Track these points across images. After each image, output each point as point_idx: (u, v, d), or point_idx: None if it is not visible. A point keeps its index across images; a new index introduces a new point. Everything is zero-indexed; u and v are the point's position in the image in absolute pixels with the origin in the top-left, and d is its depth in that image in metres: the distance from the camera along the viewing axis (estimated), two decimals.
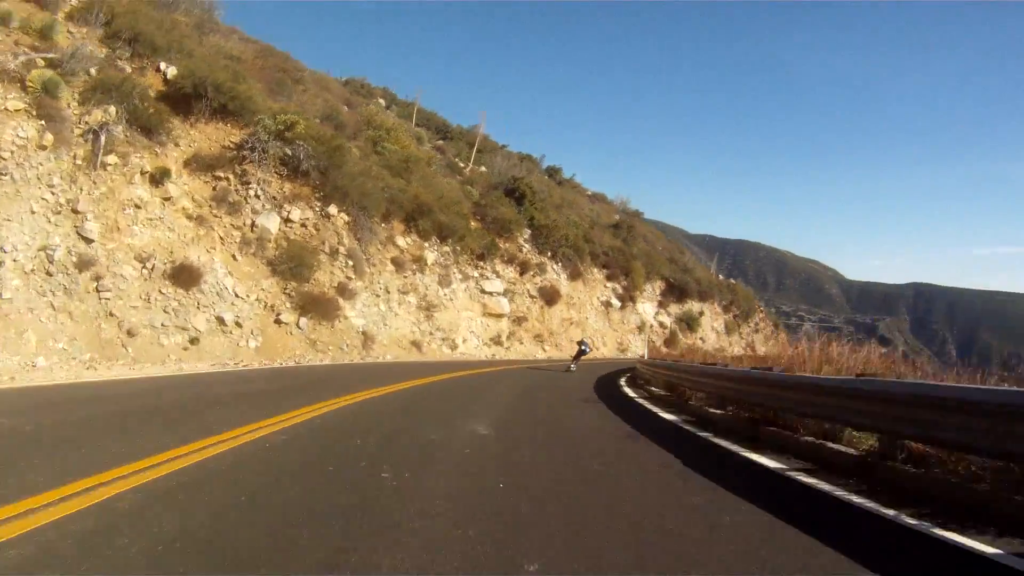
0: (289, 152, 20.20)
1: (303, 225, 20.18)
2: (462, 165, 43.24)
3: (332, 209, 20.85)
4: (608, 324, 41.12)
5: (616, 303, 42.30)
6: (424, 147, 39.06)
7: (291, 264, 18.40)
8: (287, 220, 19.85)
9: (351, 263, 20.11)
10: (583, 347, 22.78)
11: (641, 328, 44.10)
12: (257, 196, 19.54)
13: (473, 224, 30.95)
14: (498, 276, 31.21)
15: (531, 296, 34.36)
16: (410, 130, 40.14)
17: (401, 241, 24.64)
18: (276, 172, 20.39)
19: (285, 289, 18.05)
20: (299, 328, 17.45)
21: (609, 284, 43.22)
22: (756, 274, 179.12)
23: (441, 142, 49.78)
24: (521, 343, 31.81)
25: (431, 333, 23.68)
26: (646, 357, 23.19)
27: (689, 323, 49.76)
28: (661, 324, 46.95)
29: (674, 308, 50.10)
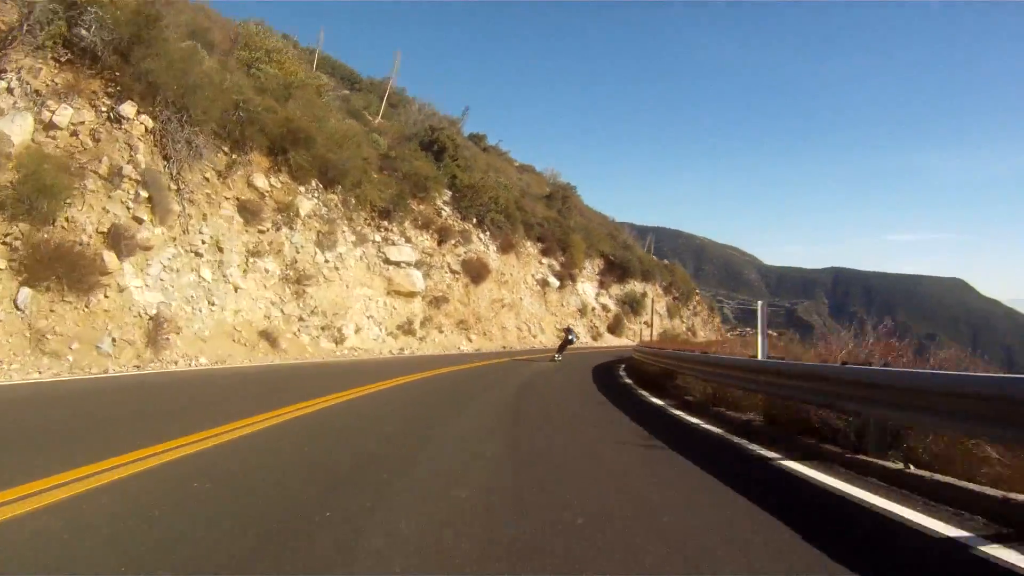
0: (82, 34, 12.02)
1: (74, 133, 11.95)
2: (369, 117, 35.01)
3: (127, 109, 12.68)
4: (545, 307, 34.53)
5: (554, 282, 35.75)
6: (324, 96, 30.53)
7: (26, 192, 10.24)
8: (50, 125, 11.58)
9: (145, 196, 11.96)
10: (570, 335, 21.63)
11: (583, 311, 37.83)
12: (10, 90, 11.28)
13: (377, 177, 23.19)
14: (409, 242, 23.69)
15: (452, 271, 27.08)
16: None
17: (261, 180, 16.68)
18: (54, 57, 12.13)
19: (4, 236, 9.92)
20: (17, 308, 9.37)
21: (545, 260, 36.61)
22: (676, 260, 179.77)
23: (347, 92, 41.18)
24: (440, 331, 24.53)
25: (301, 319, 15.96)
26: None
27: (633, 306, 44.12)
28: (603, 307, 40.95)
29: (615, 289, 44.30)
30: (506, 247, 31.90)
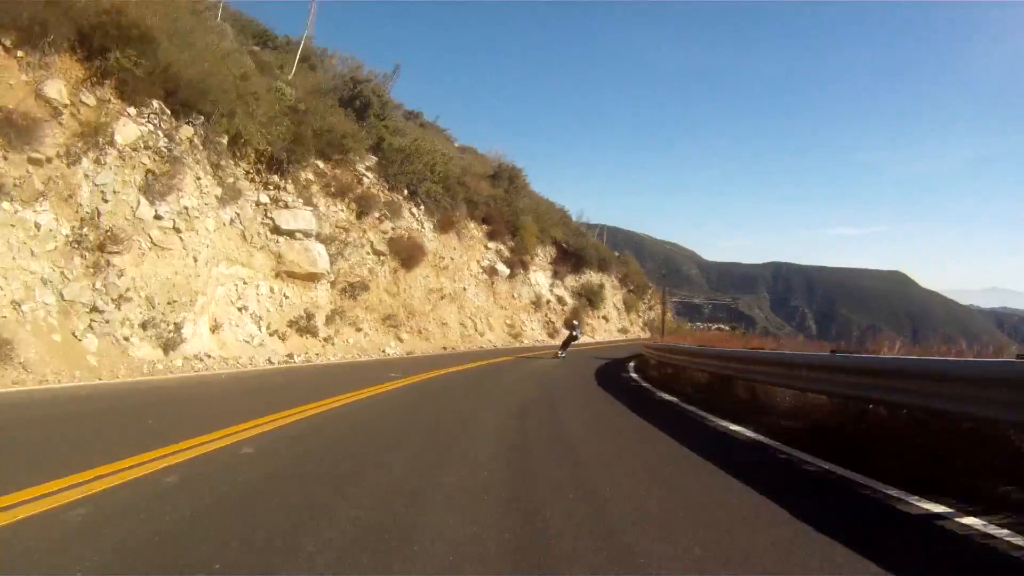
0: None
1: None
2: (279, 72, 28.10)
3: None
4: (493, 299, 28.79)
5: (503, 270, 30.08)
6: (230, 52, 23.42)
7: None
8: None
9: None
10: (574, 331, 21.31)
11: (537, 304, 32.32)
12: None
13: (264, 113, 16.69)
14: (311, 207, 17.43)
15: (376, 252, 20.94)
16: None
17: (58, 89, 10.20)
18: None
19: None
20: None
21: (492, 245, 30.86)
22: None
23: (257, 48, 33.96)
24: (358, 329, 18.38)
25: (96, 310, 9.51)
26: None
27: (591, 298, 39.02)
28: (559, 299, 35.57)
29: (571, 280, 39.07)
30: (446, 225, 25.96)
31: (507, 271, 30.12)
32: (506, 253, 31.25)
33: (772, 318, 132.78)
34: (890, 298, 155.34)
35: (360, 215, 21.13)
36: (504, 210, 33.01)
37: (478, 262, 28.70)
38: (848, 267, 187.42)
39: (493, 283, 29.10)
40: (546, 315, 32.79)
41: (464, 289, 26.02)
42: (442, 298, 23.72)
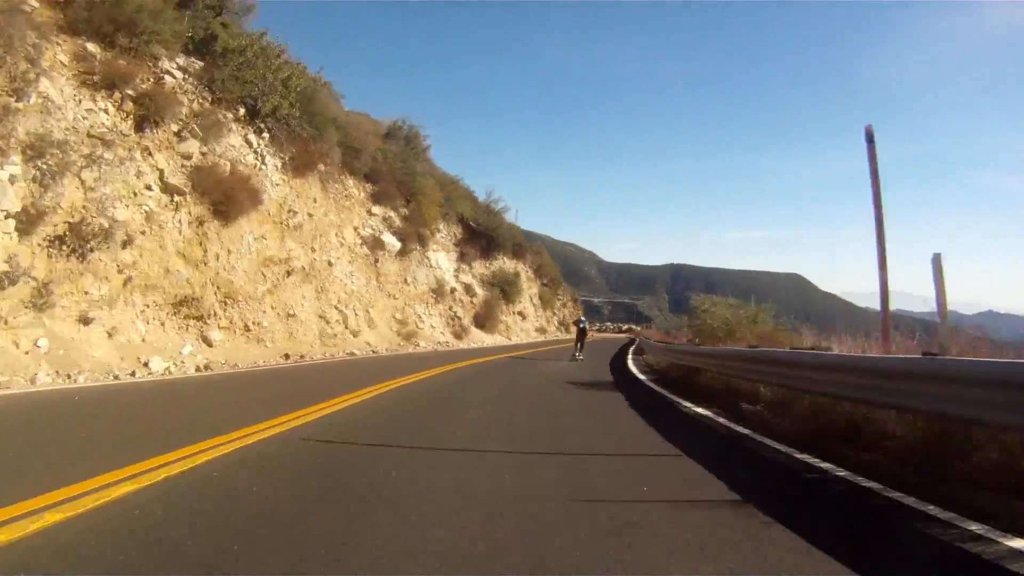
0: None
1: None
2: None
3: None
4: (378, 283, 20.45)
5: (392, 243, 21.80)
6: None
7: None
8: None
9: None
10: (582, 324, 18.78)
11: (439, 293, 24.22)
12: None
13: None
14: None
15: (167, 188, 12.07)
16: None
17: None
18: None
19: None
20: None
21: (379, 210, 22.49)
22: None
23: None
24: (85, 322, 9.50)
25: None
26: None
27: (506, 289, 31.56)
28: (467, 288, 27.76)
29: (480, 266, 31.42)
30: (303, 166, 17.29)
31: (397, 245, 21.87)
32: (397, 222, 22.98)
33: (671, 318, 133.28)
34: (790, 300, 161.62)
35: (142, 124, 12.20)
36: (397, 168, 24.71)
37: (356, 229, 20.24)
38: (747, 269, 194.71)
39: (377, 261, 20.75)
40: (450, 308, 24.87)
41: (330, 264, 17.49)
42: (289, 274, 15.10)
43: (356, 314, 17.83)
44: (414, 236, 23.35)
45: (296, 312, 14.89)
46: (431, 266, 24.29)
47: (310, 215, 16.94)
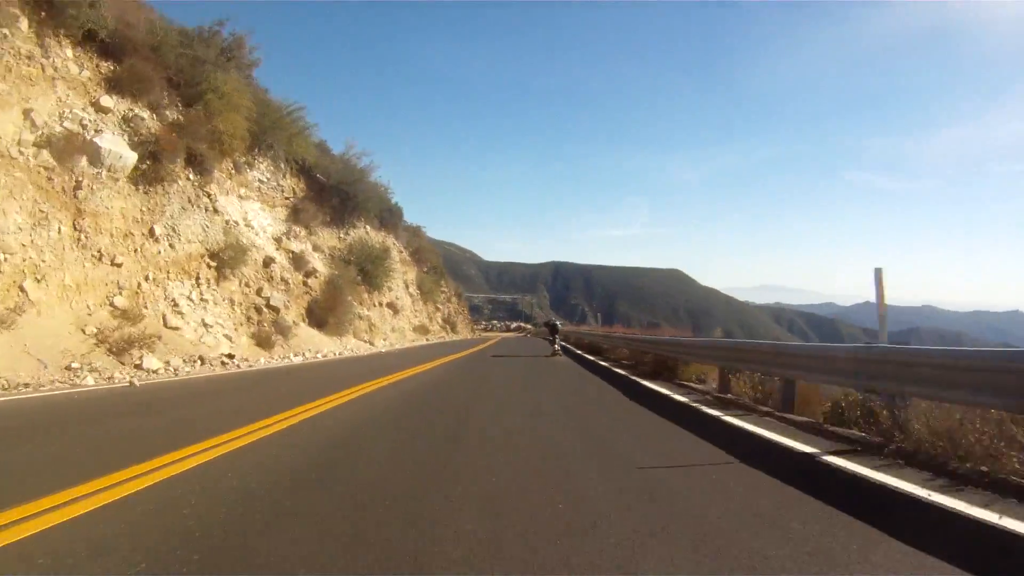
0: None
1: None
2: None
3: None
4: (76, 229, 9.40)
5: (120, 155, 10.77)
6: None
7: None
8: None
9: None
10: (553, 322, 17.88)
11: (230, 262, 13.24)
12: None
13: None
14: None
15: None
16: None
17: None
18: None
19: None
20: None
21: (117, 103, 11.39)
22: None
23: None
24: None
25: None
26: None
27: (368, 270, 21.22)
28: (297, 261, 17.02)
29: (328, 235, 20.88)
30: None
31: (131, 159, 10.91)
32: (149, 125, 11.99)
33: (548, 317, 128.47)
34: (670, 295, 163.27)
35: None
36: (173, 60, 13.67)
37: (37, 116, 9.10)
38: (627, 266, 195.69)
39: (80, 185, 9.74)
40: (259, 290, 14.05)
41: None
42: None
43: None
44: (182, 156, 12.46)
45: None
46: (221, 214, 13.42)
47: None
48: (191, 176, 12.88)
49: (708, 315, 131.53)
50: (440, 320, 34.15)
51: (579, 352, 18.92)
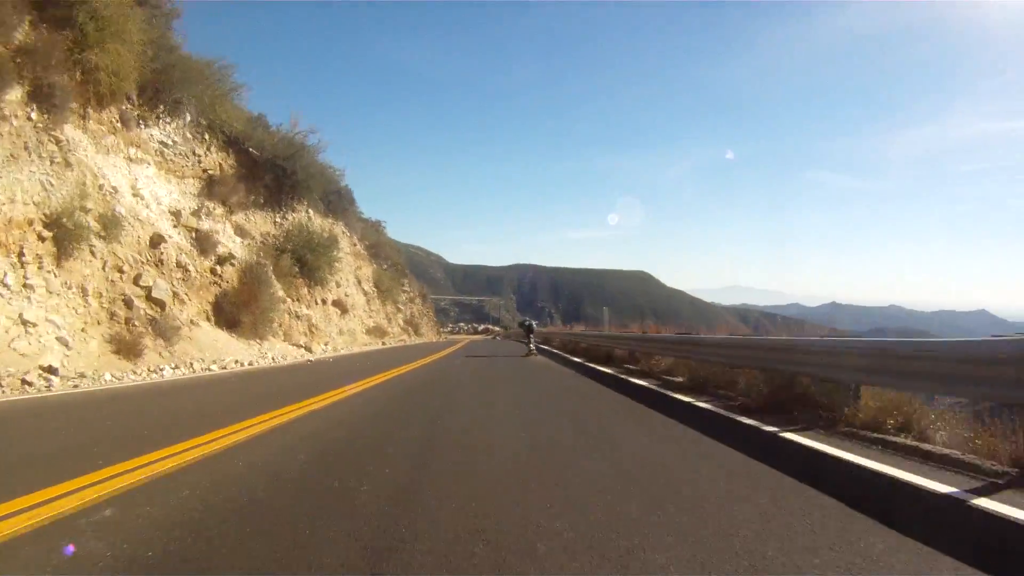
0: None
1: None
2: None
3: None
4: None
5: None
6: None
7: None
8: None
9: None
10: (527, 322, 18.82)
11: (78, 236, 9.36)
12: None
13: None
14: None
15: None
16: None
17: None
18: None
19: None
20: None
21: None
22: None
23: None
24: None
25: None
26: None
27: (307, 260, 17.50)
28: (199, 242, 13.19)
29: (259, 217, 17.14)
30: None
31: None
32: None
33: (518, 318, 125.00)
34: (636, 296, 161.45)
35: None
36: None
37: None
38: (593, 268, 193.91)
39: None
40: (136, 278, 10.22)
41: None
42: None
43: None
44: (25, 87, 8.68)
45: None
46: (68, 167, 9.57)
47: None
48: (32, 116, 9.09)
49: (675, 316, 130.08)
50: (401, 322, 30.44)
51: (578, 360, 15.73)
